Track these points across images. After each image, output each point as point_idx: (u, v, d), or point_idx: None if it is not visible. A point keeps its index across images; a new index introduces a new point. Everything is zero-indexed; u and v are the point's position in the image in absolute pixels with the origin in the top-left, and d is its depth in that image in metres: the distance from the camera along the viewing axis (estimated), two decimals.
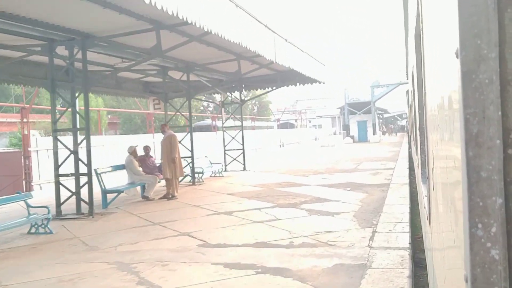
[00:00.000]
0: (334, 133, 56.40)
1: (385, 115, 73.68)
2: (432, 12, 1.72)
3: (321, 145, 34.55)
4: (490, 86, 0.82)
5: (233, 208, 8.58)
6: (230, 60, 12.05)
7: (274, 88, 16.15)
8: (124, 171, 11.38)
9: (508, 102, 0.82)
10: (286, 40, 10.76)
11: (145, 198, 10.77)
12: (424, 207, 3.57)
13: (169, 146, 10.85)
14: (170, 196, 10.76)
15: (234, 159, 16.11)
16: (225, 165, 16.50)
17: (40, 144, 14.80)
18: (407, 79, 14.95)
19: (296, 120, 61.89)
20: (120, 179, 12.60)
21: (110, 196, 9.76)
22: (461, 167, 0.93)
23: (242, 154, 16.33)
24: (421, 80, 3.14)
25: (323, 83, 15.26)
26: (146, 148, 11.72)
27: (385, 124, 73.81)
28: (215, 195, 10.54)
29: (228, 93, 16.30)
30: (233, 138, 16.17)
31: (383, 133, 60.38)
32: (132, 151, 11.07)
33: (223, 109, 17.42)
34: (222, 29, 7.37)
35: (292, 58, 11.34)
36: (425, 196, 3.40)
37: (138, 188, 11.23)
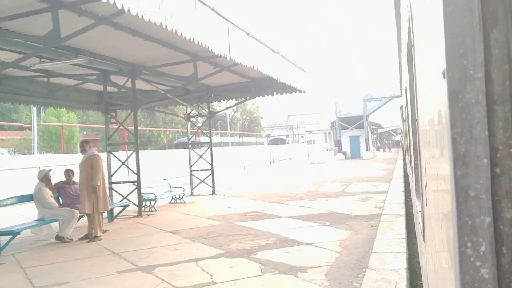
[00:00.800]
0: (327, 149, 56.53)
1: (379, 130, 74.46)
2: (421, 31, 1.79)
3: (311, 162, 33.86)
4: (476, 106, 0.86)
5: (163, 258, 6.51)
6: (184, 61, 10.29)
7: (248, 98, 14.64)
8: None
9: (494, 121, 0.86)
10: (248, 34, 8.83)
11: (59, 239, 8.37)
12: (419, 223, 3.64)
13: (89, 171, 8.48)
14: (92, 236, 8.45)
15: (202, 181, 14.61)
16: (192, 189, 14.98)
17: None
18: (401, 94, 15.16)
19: (287, 136, 62.24)
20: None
21: (4, 239, 7.72)
22: (450, 186, 0.96)
23: (211, 176, 14.68)
24: (413, 96, 3.24)
25: (304, 92, 13.57)
26: (68, 173, 9.22)
27: (379, 140, 73.06)
28: (153, 234, 8.54)
29: (195, 104, 14.81)
30: (200, 156, 14.62)
31: (377, 149, 59.85)
32: (43, 177, 8.61)
33: (189, 123, 14.97)
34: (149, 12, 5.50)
35: (261, 59, 9.49)
36: (419, 212, 3.45)
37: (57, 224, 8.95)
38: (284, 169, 28.79)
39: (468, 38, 0.87)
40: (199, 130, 16.59)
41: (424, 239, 2.93)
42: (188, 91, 14.59)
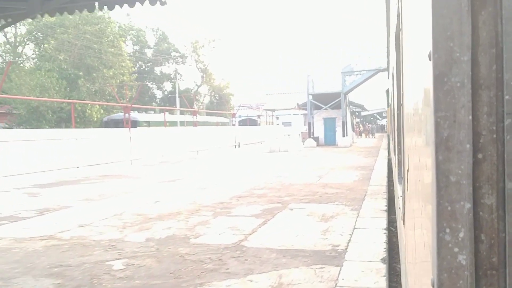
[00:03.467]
0: (298, 134, 56.12)
1: (363, 113, 75.41)
2: (409, 12, 1.92)
3: (270, 149, 30.57)
4: (461, 89, 0.94)
5: None
6: None
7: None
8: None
9: (479, 106, 0.93)
10: None
11: None
12: (399, 207, 4.11)
13: None
14: None
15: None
16: None
17: None
18: (388, 78, 16.08)
19: (259, 116, 62.23)
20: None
21: None
22: (431, 171, 1.04)
23: None
24: (399, 80, 3.59)
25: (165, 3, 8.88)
26: None
27: (362, 123, 71.59)
28: None
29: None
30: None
31: (359, 134, 57.84)
32: None
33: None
34: None
35: None
36: (400, 196, 3.87)
37: None
38: (229, 158, 25.04)
39: (455, 19, 0.94)
40: (130, 105, 16.28)
41: (404, 224, 3.22)
42: None
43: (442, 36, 0.96)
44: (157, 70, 73.13)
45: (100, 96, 50.35)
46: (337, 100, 34.92)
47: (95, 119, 47.64)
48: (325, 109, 36.19)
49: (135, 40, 69.83)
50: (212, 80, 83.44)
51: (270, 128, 53.19)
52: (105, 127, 38.01)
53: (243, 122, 60.43)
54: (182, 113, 53.33)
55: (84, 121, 47.83)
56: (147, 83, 70.14)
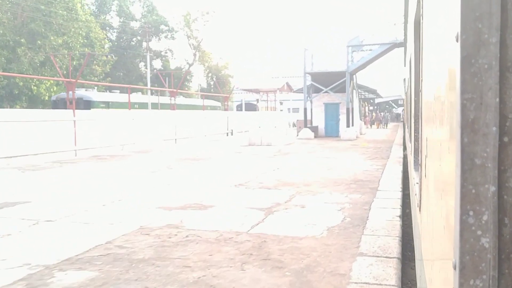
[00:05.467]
0: (293, 124, 54.83)
1: (378, 100, 75.64)
2: None
3: (249, 142, 27.59)
4: (489, 71, 1.04)
5: None
6: None
7: None
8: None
9: (506, 88, 1.04)
10: None
11: None
12: (416, 194, 4.40)
13: None
14: None
15: None
16: None
17: None
18: (404, 66, 16.41)
19: (258, 101, 61.72)
20: None
21: None
22: (455, 154, 1.15)
23: None
24: (418, 66, 3.86)
25: None
26: None
27: (375, 111, 70.15)
28: None
29: None
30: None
31: (370, 124, 56.65)
32: None
33: None
34: None
35: None
36: (417, 183, 4.19)
37: None
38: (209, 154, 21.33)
39: (484, 0, 1.04)
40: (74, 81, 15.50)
41: (420, 210, 3.46)
42: None
43: (471, 17, 1.06)
44: (147, 46, 73.76)
45: (50, 69, 47.23)
46: (341, 80, 31.70)
47: (46, 97, 44.98)
48: (326, 92, 33.07)
49: (118, 10, 69.34)
50: (209, 59, 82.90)
51: (269, 114, 52.59)
52: (54, 107, 36.42)
53: (240, 107, 60.02)
54: (163, 94, 52.63)
55: (33, 100, 45.59)
56: (139, 61, 69.20)
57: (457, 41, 1.11)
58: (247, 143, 27.79)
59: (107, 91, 49.26)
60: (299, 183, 12.07)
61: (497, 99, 1.05)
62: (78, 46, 51.52)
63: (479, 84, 1.06)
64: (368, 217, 8.24)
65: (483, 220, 1.07)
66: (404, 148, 21.78)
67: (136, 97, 44.71)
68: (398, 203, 9.44)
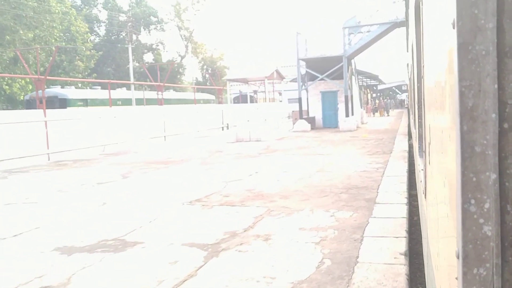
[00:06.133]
0: (288, 116, 55.18)
1: (380, 87, 77.02)
2: None
3: (236, 138, 27.15)
4: (486, 57, 1.12)
5: None
6: None
7: None
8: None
9: (505, 74, 1.11)
10: None
11: None
12: (421, 181, 4.62)
13: None
14: None
15: None
16: None
17: None
18: (407, 51, 16.09)
19: (255, 92, 62.29)
20: None
21: None
22: (455, 141, 1.22)
23: None
24: (420, 52, 4.01)
25: None
26: None
27: (378, 99, 72.49)
28: None
29: None
30: None
31: (373, 112, 58.37)
32: None
33: None
34: None
35: None
36: (422, 170, 4.40)
37: None
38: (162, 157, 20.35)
39: None
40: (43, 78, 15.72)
41: (425, 197, 3.66)
42: None
43: (466, 3, 1.13)
44: (140, 39, 74.25)
45: (23, 66, 45.97)
46: (338, 66, 31.13)
47: (22, 97, 44.22)
48: (322, 79, 32.82)
49: (104, 2, 70.01)
50: (203, 51, 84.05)
51: (267, 105, 52.87)
52: (28, 107, 35.86)
53: (237, 100, 60.09)
54: (154, 88, 52.47)
55: (11, 100, 44.63)
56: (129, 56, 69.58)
57: (453, 27, 1.18)
58: (234, 139, 27.28)
59: (88, 87, 48.88)
60: (275, 195, 10.40)
61: (496, 85, 1.13)
62: (54, 40, 49.74)
63: (477, 71, 1.14)
64: (358, 256, 6.14)
65: (485, 208, 1.15)
66: (409, 138, 21.27)
67: (119, 93, 43.74)
68: (403, 226, 7.38)
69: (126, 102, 42.86)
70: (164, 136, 30.54)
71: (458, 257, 1.23)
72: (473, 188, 1.17)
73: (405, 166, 13.63)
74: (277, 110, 51.79)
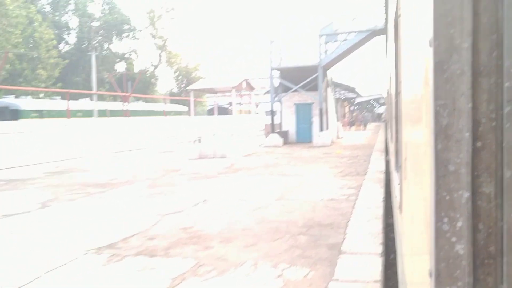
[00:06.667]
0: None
1: (359, 99, 79.29)
2: None
3: (199, 154, 26.30)
4: (461, 77, 1.22)
5: None
6: None
7: None
8: None
9: (479, 93, 1.20)
10: None
11: None
12: (396, 196, 4.89)
13: None
14: None
15: None
16: None
17: None
18: (386, 64, 16.62)
19: (230, 104, 63.23)
20: None
21: None
22: (430, 159, 1.30)
23: None
24: (397, 67, 4.26)
25: None
26: None
27: (355, 111, 74.41)
28: None
29: None
30: None
31: (350, 125, 60.06)
32: None
33: None
34: None
35: None
36: (398, 184, 4.62)
37: None
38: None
39: (456, 5, 1.21)
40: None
41: (400, 212, 3.86)
42: None
43: (443, 22, 1.23)
44: (112, 48, 75.83)
45: None
46: (313, 76, 31.33)
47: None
48: (296, 90, 33.16)
49: (74, 9, 70.48)
50: (179, 60, 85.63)
51: (241, 118, 53.23)
52: None
53: (211, 111, 61.04)
54: (134, 100, 52.61)
55: None
56: (100, 65, 70.11)
57: (430, 46, 1.28)
58: (197, 155, 26.48)
59: (49, 98, 48.48)
60: (216, 236, 8.98)
61: (470, 104, 1.22)
62: (10, 46, 48.71)
63: (452, 90, 1.24)
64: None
65: (458, 227, 1.24)
66: (386, 153, 21.15)
67: (80, 104, 44.71)
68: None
69: (88, 113, 42.00)
70: (130, 150, 30.70)
71: (430, 276, 1.32)
72: (446, 206, 1.27)
73: (381, 193, 12.45)
74: (251, 122, 51.77)
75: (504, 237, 1.23)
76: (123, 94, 33.70)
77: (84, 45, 71.34)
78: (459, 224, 1.26)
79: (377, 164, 18.52)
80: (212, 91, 45.78)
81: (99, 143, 27.77)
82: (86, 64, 69.24)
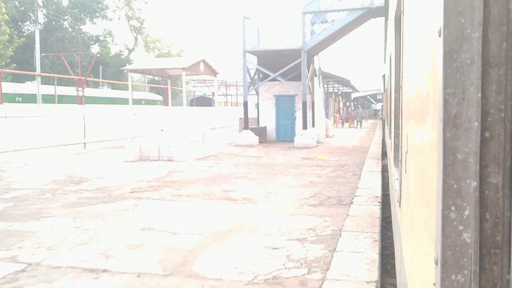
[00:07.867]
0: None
1: (355, 95, 79.87)
2: None
3: (139, 155, 23.98)
4: (471, 66, 1.34)
5: None
6: None
7: None
8: None
9: (488, 84, 1.32)
10: None
11: None
12: (395, 190, 5.27)
13: None
14: None
15: None
16: None
17: None
18: (384, 63, 18.07)
19: (213, 94, 62.91)
20: None
21: None
22: (436, 149, 1.41)
23: None
24: (399, 63, 4.70)
25: None
26: None
27: (348, 107, 74.07)
28: None
29: None
30: None
31: (342, 122, 60.48)
32: None
33: None
34: None
35: None
36: (397, 179, 5.01)
37: None
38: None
39: None
40: None
41: (400, 205, 4.19)
42: None
43: (454, 12, 1.35)
44: (85, 29, 75.67)
45: None
46: (295, 62, 28.61)
47: None
48: (274, 79, 30.61)
49: None
50: (159, 46, 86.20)
51: (226, 110, 52.91)
52: None
53: (192, 102, 60.74)
54: (95, 85, 51.71)
55: None
56: (71, 47, 69.18)
57: (439, 36, 1.39)
58: (136, 156, 23.71)
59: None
60: None
61: (479, 94, 1.34)
62: None
63: (461, 79, 1.36)
64: None
65: (465, 215, 1.37)
66: (384, 157, 19.83)
67: (22, 87, 43.25)
68: None
69: (30, 98, 40.16)
70: (84, 143, 30.14)
71: (436, 263, 1.44)
72: (454, 195, 1.39)
73: (375, 248, 7.99)
74: (229, 116, 51.14)
75: (511, 227, 1.36)
76: (78, 78, 32.44)
77: (56, 26, 70.65)
78: (467, 212, 1.39)
79: (371, 182, 14.84)
80: (160, 72, 43.53)
81: (24, 135, 26.13)
82: (53, 45, 69.34)
